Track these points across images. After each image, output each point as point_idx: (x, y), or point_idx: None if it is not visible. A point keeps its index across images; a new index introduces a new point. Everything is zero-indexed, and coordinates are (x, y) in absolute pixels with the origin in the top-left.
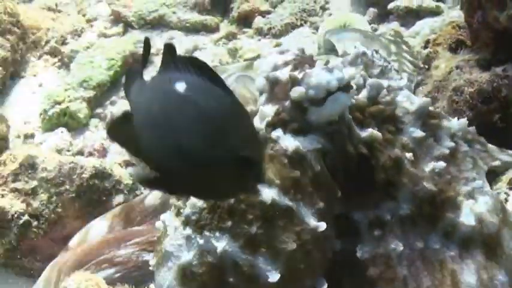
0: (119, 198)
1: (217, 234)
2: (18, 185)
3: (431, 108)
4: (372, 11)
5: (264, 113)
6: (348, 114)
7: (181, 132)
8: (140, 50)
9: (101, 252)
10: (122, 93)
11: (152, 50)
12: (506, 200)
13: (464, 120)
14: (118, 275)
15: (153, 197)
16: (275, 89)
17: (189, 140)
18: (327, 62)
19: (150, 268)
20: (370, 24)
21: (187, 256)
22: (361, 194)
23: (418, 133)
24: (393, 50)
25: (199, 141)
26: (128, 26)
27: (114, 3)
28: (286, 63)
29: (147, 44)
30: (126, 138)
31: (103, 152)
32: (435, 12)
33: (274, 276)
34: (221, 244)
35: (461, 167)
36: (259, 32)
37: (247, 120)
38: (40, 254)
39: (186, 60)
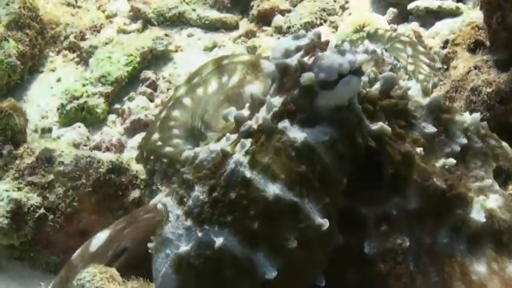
0: (134, 193)
1: (217, 228)
2: (35, 178)
3: (443, 102)
4: (391, 11)
5: (271, 103)
6: (358, 104)
7: None
8: (159, 47)
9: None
10: (140, 89)
11: (171, 47)
12: None
13: (477, 115)
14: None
15: (157, 199)
16: (284, 78)
17: None
18: (338, 45)
19: (149, 251)
20: (389, 24)
21: (185, 247)
22: (368, 188)
23: (430, 129)
24: (409, 52)
25: None
26: (147, 22)
27: (133, 0)
28: (298, 49)
29: None
30: None
31: (120, 148)
32: (455, 13)
33: (271, 273)
34: (220, 239)
35: (471, 164)
36: (279, 31)
37: None
38: (55, 248)
39: None
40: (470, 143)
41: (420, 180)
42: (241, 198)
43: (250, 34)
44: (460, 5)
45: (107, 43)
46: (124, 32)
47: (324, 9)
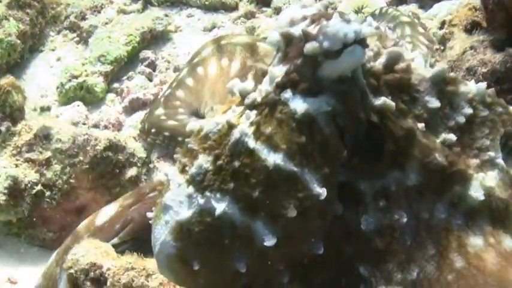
0: (132, 171)
1: (218, 195)
2: (32, 155)
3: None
4: None
5: (273, 74)
6: (361, 77)
7: None
8: (159, 27)
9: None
10: (139, 69)
11: (170, 27)
12: None
13: (483, 84)
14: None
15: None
16: (288, 48)
17: None
18: (343, 14)
19: (150, 222)
20: (388, 6)
21: (186, 213)
22: (368, 163)
23: (434, 103)
24: (408, 32)
25: None
26: (147, 3)
27: None
28: (304, 18)
29: None
30: None
31: (118, 126)
32: None
33: (270, 241)
34: (221, 205)
35: (476, 134)
36: (278, 12)
37: None
38: (52, 224)
39: None
40: (476, 112)
41: (421, 156)
42: (245, 167)
43: (249, 15)
44: None
45: (106, 23)
46: (124, 12)
47: None
